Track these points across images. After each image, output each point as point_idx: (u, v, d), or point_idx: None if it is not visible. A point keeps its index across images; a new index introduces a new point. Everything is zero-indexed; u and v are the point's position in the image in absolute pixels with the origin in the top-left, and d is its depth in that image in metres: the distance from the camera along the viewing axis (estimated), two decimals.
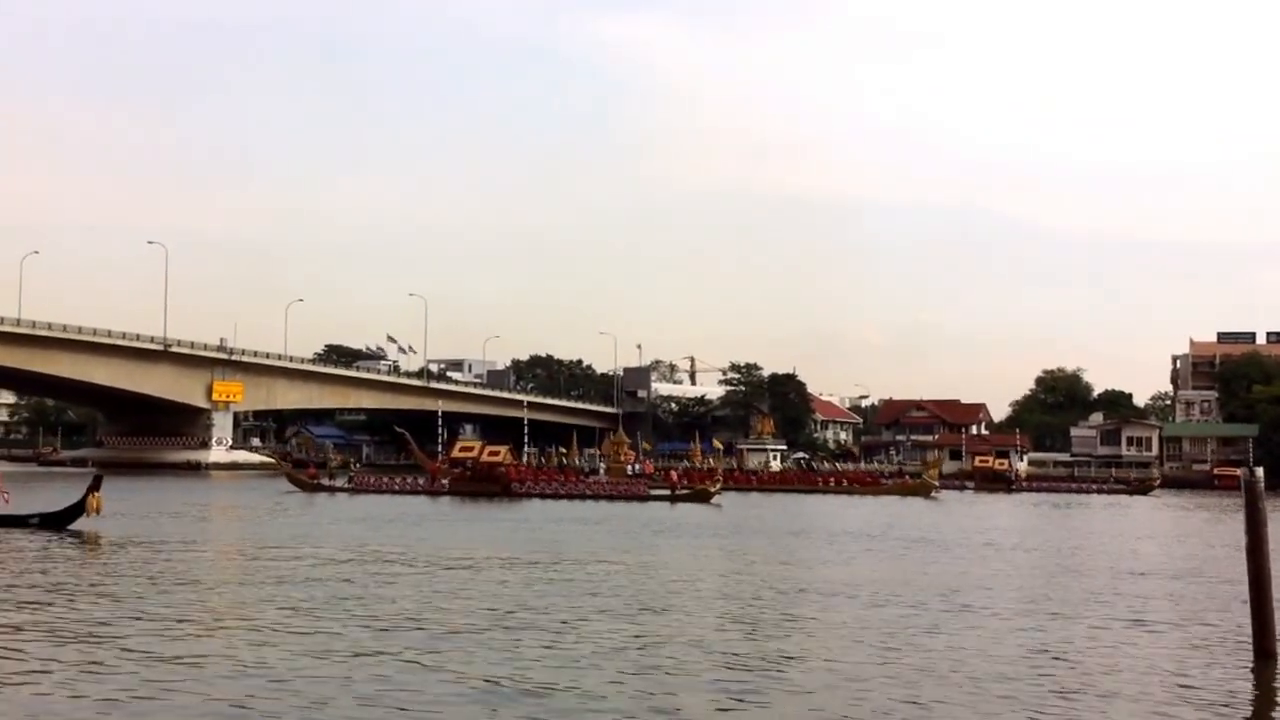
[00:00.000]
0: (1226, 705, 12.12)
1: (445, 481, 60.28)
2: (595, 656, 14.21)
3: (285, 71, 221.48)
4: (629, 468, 74.63)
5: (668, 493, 59.81)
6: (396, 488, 61.82)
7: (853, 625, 16.99)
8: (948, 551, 30.96)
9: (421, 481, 62.61)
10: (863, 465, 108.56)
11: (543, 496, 58.38)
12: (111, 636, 15.20)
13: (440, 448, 71.95)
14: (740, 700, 12.08)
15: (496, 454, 60.20)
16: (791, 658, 14.44)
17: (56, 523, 32.37)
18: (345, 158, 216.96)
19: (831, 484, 75.23)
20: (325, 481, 63.61)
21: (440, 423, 79.82)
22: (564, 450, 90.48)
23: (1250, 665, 13.89)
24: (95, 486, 32.24)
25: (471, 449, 61.69)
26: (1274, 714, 12.11)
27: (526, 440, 78.66)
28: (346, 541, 30.55)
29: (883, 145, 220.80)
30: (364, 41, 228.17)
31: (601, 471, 74.88)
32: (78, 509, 32.30)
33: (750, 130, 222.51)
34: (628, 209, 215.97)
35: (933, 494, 71.21)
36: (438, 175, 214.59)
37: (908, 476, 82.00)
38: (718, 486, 60.78)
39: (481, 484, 58.57)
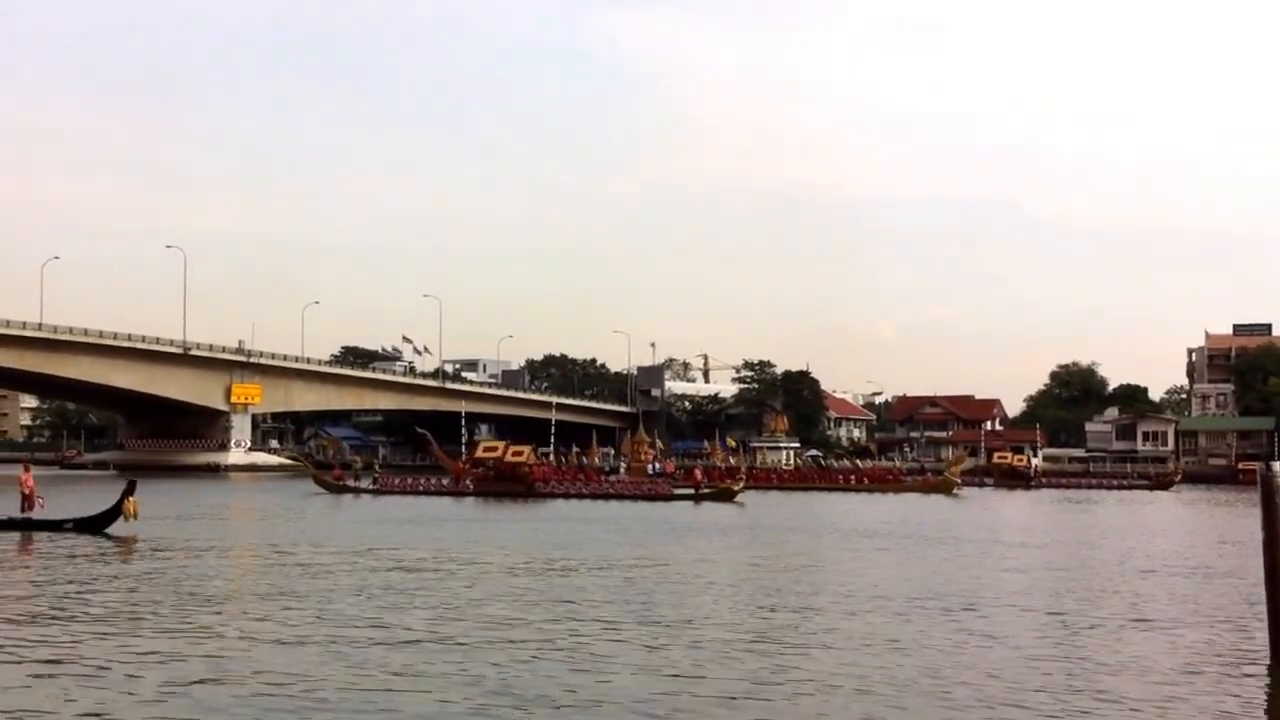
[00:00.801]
0: (1243, 703, 12.00)
1: (469, 482, 60.22)
2: (623, 665, 13.98)
3: (300, 74, 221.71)
4: (650, 467, 74.40)
5: (691, 492, 59.60)
6: (421, 488, 61.64)
7: (874, 630, 16.66)
8: (988, 551, 30.64)
9: (445, 482, 62.56)
10: (876, 462, 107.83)
11: (566, 496, 58.15)
12: (138, 643, 14.96)
13: (463, 448, 71.75)
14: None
15: (520, 454, 60.09)
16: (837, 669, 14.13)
17: (92, 527, 32.00)
18: (359, 160, 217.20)
19: (853, 482, 74.85)
20: (350, 483, 63.48)
21: (464, 423, 79.64)
22: (578, 450, 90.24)
23: (1268, 663, 13.75)
24: (130, 491, 31.85)
25: (495, 449, 61.61)
26: None
27: (553, 440, 78.41)
28: (381, 542, 30.40)
29: (895, 140, 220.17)
30: (378, 43, 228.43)
31: (622, 471, 74.67)
32: (113, 513, 31.91)
33: (762, 127, 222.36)
34: (641, 207, 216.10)
35: (954, 491, 70.84)
36: (451, 176, 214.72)
37: (929, 474, 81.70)
38: (741, 485, 60.58)
39: (506, 484, 58.36)
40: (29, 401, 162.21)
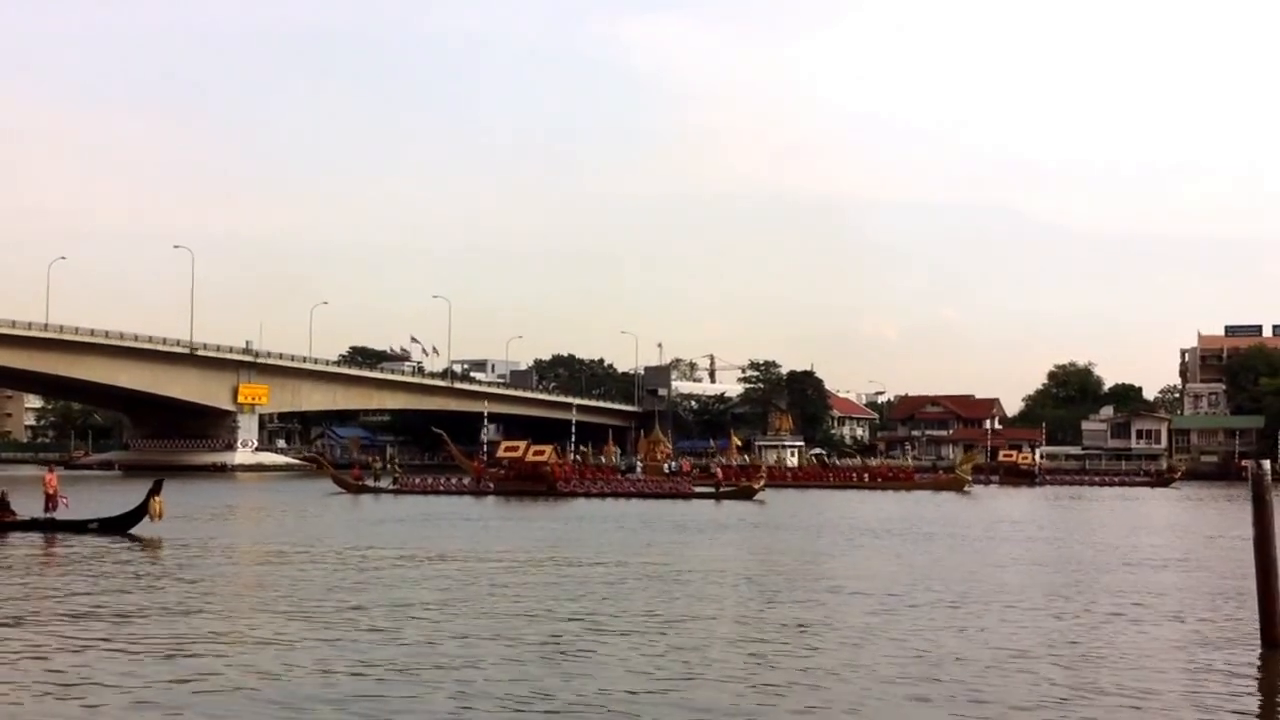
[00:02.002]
0: (1235, 694, 11.92)
1: (489, 482, 58.31)
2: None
3: (308, 77, 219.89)
4: (666, 465, 72.65)
5: (712, 490, 57.85)
6: (441, 488, 59.58)
7: (892, 623, 16.36)
8: (1009, 546, 30.01)
9: (466, 481, 60.49)
10: (884, 460, 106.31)
11: (588, 495, 56.41)
12: (169, 647, 13.91)
13: (484, 448, 69.73)
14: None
15: (541, 454, 58.21)
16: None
17: (117, 527, 30.42)
18: (368, 162, 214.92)
19: (866, 480, 73.20)
20: (370, 483, 61.33)
21: (485, 422, 77.75)
22: (584, 449, 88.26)
23: (1258, 654, 13.75)
24: (156, 490, 30.21)
25: (517, 449, 59.53)
26: None
27: (574, 440, 76.45)
28: (417, 544, 28.70)
29: (898, 145, 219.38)
30: (390, 48, 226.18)
31: (639, 469, 72.79)
32: (139, 513, 30.38)
33: (768, 132, 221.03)
34: (648, 210, 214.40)
35: (965, 489, 69.46)
36: (459, 178, 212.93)
37: (941, 472, 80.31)
38: (761, 484, 58.95)
39: (527, 483, 56.60)
40: (33, 401, 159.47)
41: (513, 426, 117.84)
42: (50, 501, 31.26)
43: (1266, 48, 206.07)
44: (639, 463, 76.58)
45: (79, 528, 30.22)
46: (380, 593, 19.14)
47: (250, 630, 15.22)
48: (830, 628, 15.79)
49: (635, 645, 14.27)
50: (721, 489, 57.80)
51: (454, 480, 61.93)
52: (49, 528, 30.14)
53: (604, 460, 77.57)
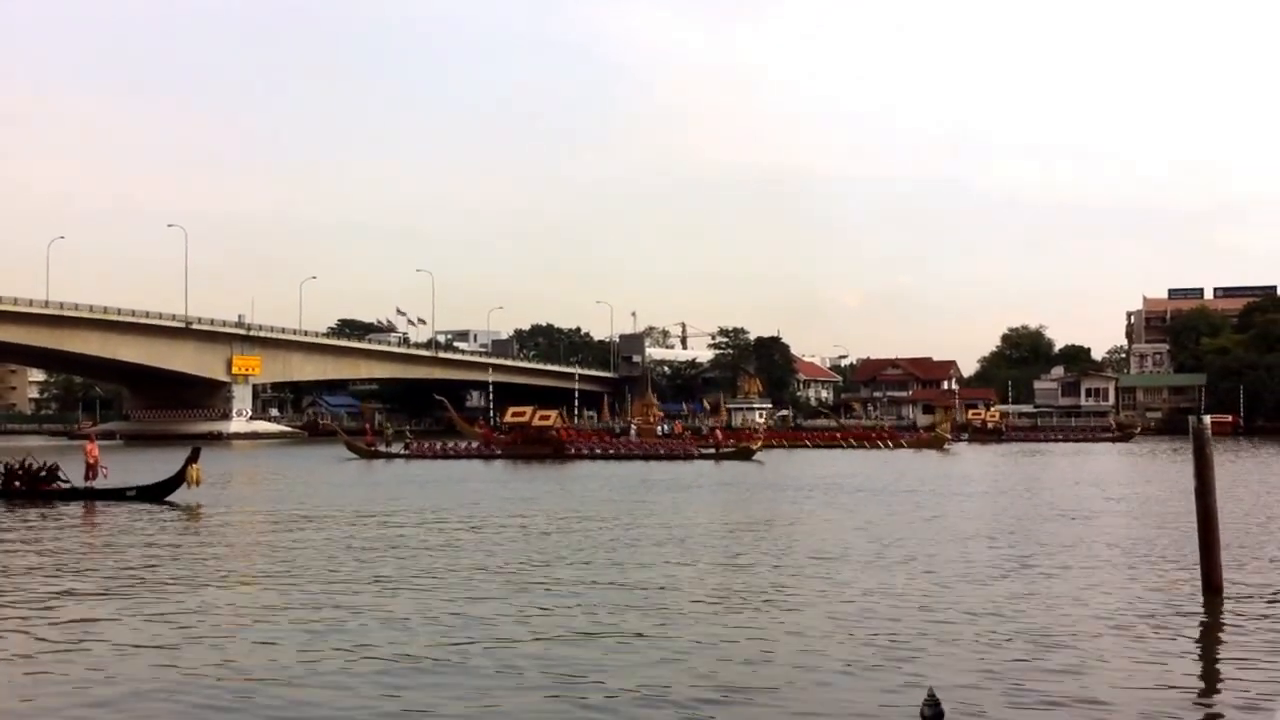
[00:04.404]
0: (1178, 638, 11.80)
1: (498, 446, 56.76)
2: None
3: (297, 59, 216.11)
4: (659, 428, 71.32)
5: (712, 451, 56.63)
6: (451, 452, 57.74)
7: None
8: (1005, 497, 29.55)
9: (475, 446, 58.81)
10: (858, 420, 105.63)
11: (593, 458, 55.06)
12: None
13: (492, 413, 68.08)
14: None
15: (548, 418, 56.66)
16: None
17: (154, 495, 29.13)
18: (355, 141, 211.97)
19: (851, 439, 72.21)
20: (382, 448, 59.57)
21: (490, 391, 76.15)
22: (557, 412, 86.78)
23: (1200, 600, 13.76)
24: (193, 458, 28.87)
25: (523, 414, 57.80)
26: (1221, 645, 11.69)
27: (577, 405, 74.93)
28: (454, 508, 27.32)
29: (860, 123, 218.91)
30: (373, 29, 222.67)
31: (633, 433, 71.40)
32: (176, 481, 29.15)
33: (735, 112, 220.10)
34: (623, 186, 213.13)
35: (945, 447, 68.77)
36: (444, 156, 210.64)
37: (922, 431, 79.78)
38: (759, 444, 57.85)
39: (534, 447, 55.07)
40: (36, 375, 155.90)
41: (497, 394, 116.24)
42: (91, 471, 29.92)
43: (1207, 28, 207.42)
44: (634, 425, 75.25)
45: (118, 496, 29.17)
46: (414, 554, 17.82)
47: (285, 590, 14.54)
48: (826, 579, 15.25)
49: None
50: (721, 450, 56.65)
51: (463, 445, 60.11)
52: (89, 496, 29.02)
53: (600, 423, 76.20)
